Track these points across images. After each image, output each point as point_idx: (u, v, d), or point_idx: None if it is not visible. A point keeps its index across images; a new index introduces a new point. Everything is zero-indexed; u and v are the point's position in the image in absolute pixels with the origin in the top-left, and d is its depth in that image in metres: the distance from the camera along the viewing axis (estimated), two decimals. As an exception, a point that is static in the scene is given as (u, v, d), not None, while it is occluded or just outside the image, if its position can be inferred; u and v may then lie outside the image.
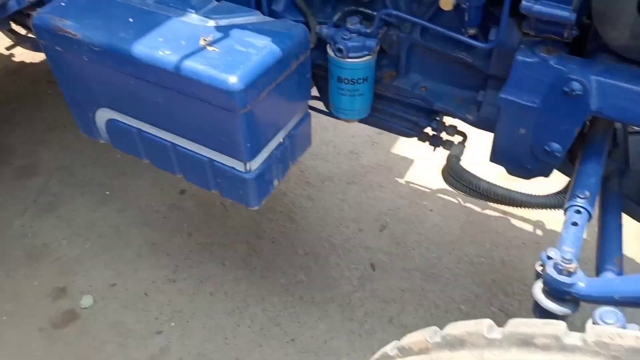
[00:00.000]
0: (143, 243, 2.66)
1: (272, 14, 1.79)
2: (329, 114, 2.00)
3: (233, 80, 1.42)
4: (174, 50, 1.50)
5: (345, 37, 1.63)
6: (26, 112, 3.40)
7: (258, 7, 1.79)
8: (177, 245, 2.66)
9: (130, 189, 2.94)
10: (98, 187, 2.95)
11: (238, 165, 1.65)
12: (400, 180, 2.99)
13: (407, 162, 3.09)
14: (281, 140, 1.75)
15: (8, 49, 2.66)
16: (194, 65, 1.46)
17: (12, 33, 2.58)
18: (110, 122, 1.84)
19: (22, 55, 3.78)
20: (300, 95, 1.76)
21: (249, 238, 2.69)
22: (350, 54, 1.63)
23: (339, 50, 1.63)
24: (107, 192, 2.92)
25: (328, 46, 1.70)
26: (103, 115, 1.84)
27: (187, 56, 1.48)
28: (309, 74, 1.75)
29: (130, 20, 1.62)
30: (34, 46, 2.48)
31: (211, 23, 1.62)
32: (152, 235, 2.69)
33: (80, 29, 1.60)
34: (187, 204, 2.86)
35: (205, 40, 1.54)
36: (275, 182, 1.80)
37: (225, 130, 1.54)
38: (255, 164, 1.65)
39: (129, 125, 1.79)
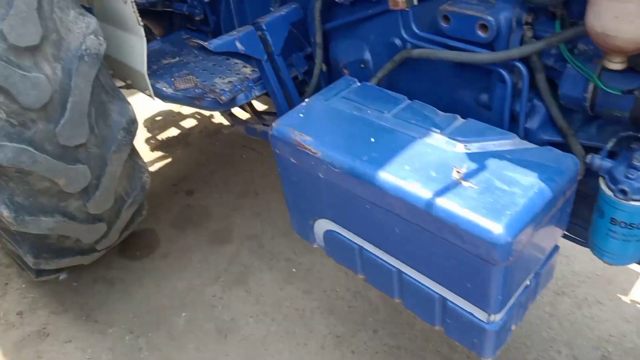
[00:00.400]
0: (327, 334, 2.54)
1: (525, 132, 1.56)
2: (576, 240, 1.70)
3: (498, 230, 1.20)
4: (424, 183, 1.34)
5: (630, 176, 1.32)
6: (223, 175, 3.57)
7: (510, 122, 1.57)
8: (362, 342, 2.49)
9: (316, 268, 2.87)
10: (285, 262, 2.93)
11: (478, 313, 1.42)
12: (624, 298, 2.51)
13: (631, 276, 2.60)
14: (528, 282, 1.49)
15: (226, 128, 2.81)
16: (448, 206, 1.28)
17: (229, 115, 2.70)
18: (330, 233, 1.74)
19: (221, 117, 4.03)
20: (558, 230, 1.49)
21: (440, 347, 2.42)
22: (635, 197, 1.33)
23: (622, 191, 1.33)
24: (294, 270, 2.88)
25: (601, 179, 1.41)
26: (323, 225, 1.75)
27: (440, 193, 1.30)
28: (571, 207, 1.47)
29: (372, 140, 1.51)
30: (247, 130, 2.56)
31: (460, 148, 1.44)
32: (336, 326, 2.57)
33: (321, 148, 1.52)
34: (372, 294, 2.69)
35: (458, 172, 1.36)
36: (513, 328, 1.54)
37: (474, 279, 1.33)
38: (500, 314, 1.41)
39: (351, 241, 1.67)
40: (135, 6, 2.10)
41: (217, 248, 3.06)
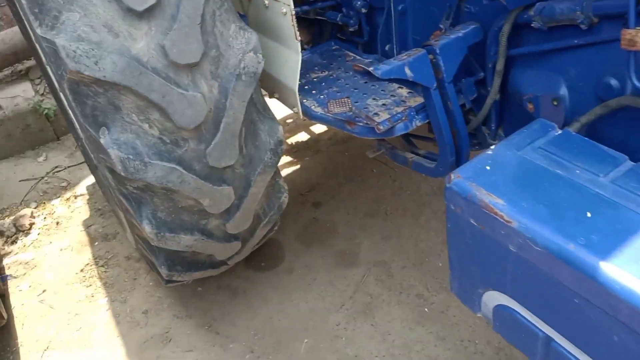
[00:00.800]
0: (463, 393, 2.27)
1: None
2: None
3: None
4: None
5: None
6: (351, 190, 3.38)
7: None
8: (503, 409, 2.18)
9: (451, 312, 2.59)
10: (416, 298, 2.68)
11: None
12: None
13: None
14: None
15: (371, 150, 2.63)
16: None
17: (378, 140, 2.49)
18: (505, 310, 1.46)
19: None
20: None
21: None
22: None
23: None
24: (426, 309, 2.62)
25: None
26: (497, 298, 1.47)
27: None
28: None
29: (588, 215, 1.20)
30: (395, 157, 2.33)
31: None
32: (474, 385, 2.28)
33: (517, 216, 1.24)
34: (518, 353, 2.36)
35: None
36: None
37: None
38: None
39: (534, 326, 1.38)
40: (294, 19, 1.94)
41: (343, 270, 2.89)
